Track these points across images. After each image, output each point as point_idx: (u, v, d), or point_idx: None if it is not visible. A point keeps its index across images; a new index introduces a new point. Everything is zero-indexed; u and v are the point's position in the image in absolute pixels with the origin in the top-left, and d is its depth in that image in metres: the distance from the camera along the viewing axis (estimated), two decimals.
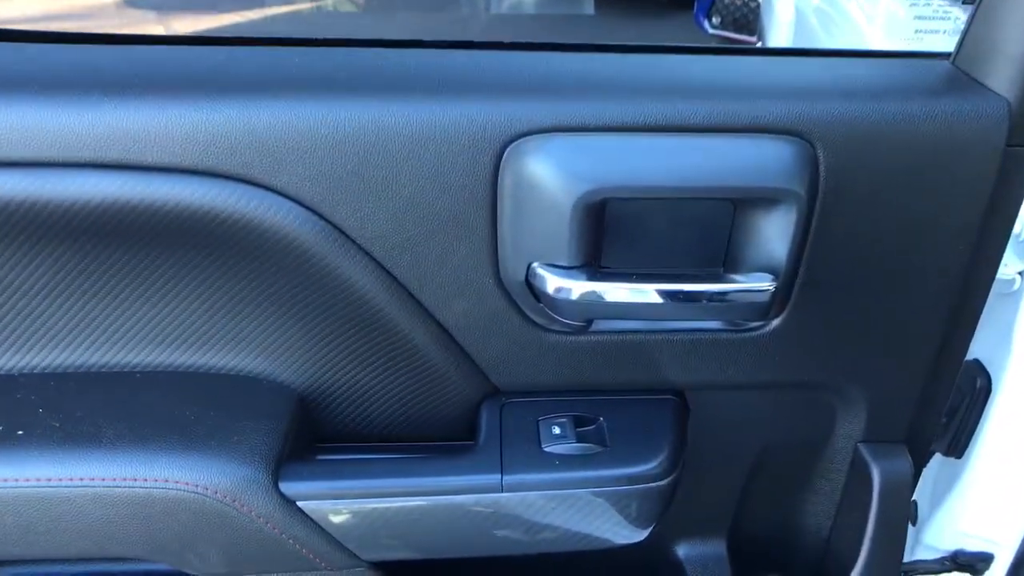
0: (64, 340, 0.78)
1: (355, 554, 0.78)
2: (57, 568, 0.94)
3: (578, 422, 0.81)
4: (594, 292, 0.73)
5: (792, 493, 0.97)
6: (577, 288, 0.72)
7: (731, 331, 0.80)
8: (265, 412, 0.78)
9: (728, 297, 0.73)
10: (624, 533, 0.80)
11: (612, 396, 0.83)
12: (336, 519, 0.76)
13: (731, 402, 0.88)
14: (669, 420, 0.82)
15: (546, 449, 0.79)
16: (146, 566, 0.95)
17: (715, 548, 0.99)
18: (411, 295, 0.75)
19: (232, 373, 0.81)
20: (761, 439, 0.92)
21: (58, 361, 0.79)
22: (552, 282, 0.72)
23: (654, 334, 0.80)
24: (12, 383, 0.78)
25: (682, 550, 0.99)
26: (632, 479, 0.78)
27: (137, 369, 0.80)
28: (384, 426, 0.85)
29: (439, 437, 0.86)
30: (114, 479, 0.72)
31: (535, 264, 0.73)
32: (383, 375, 0.81)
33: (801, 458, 0.94)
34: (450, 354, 0.79)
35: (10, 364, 0.79)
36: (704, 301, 0.74)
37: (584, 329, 0.77)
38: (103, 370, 0.80)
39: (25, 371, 0.80)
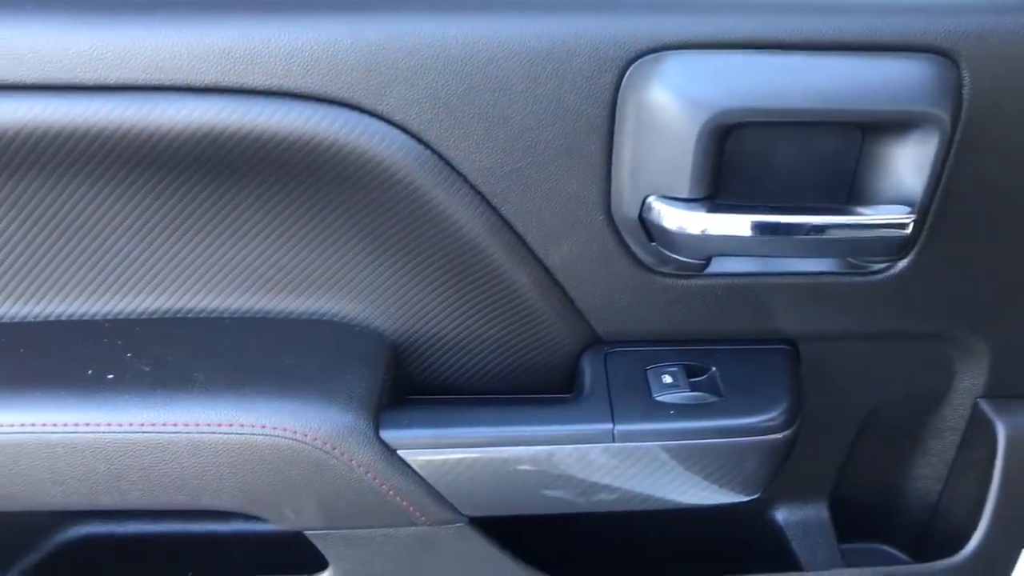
0: (150, 284, 0.75)
1: (456, 508, 0.74)
2: (131, 527, 0.92)
3: (689, 371, 0.76)
4: (717, 226, 0.68)
5: (901, 454, 0.92)
6: (699, 222, 0.67)
7: (852, 275, 0.74)
8: (361, 359, 0.74)
9: (865, 231, 0.68)
10: (737, 489, 0.76)
11: (721, 346, 0.79)
12: (438, 469, 0.72)
13: (843, 353, 0.82)
14: (785, 370, 0.77)
15: (658, 398, 0.74)
16: (224, 526, 0.92)
17: (817, 512, 0.94)
18: (516, 234, 0.70)
19: (324, 319, 0.77)
20: (872, 394, 0.86)
21: (144, 307, 0.76)
22: (671, 215, 0.68)
23: (770, 277, 0.75)
24: (97, 328, 0.75)
25: (781, 514, 0.94)
26: (750, 430, 0.73)
27: (225, 315, 0.77)
28: (477, 378, 0.80)
29: (535, 390, 0.82)
30: (209, 425, 0.68)
31: (651, 198, 0.69)
32: (479, 322, 0.77)
33: (913, 415, 0.89)
34: (552, 299, 0.74)
35: (94, 310, 0.76)
36: (837, 235, 0.69)
37: (699, 269, 0.72)
38: (190, 315, 0.76)
39: (109, 317, 0.76)
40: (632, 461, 0.73)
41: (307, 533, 0.75)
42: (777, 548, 0.93)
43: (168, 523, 0.92)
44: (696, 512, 0.91)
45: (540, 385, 0.81)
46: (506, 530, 0.80)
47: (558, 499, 0.75)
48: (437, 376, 0.80)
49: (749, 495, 0.76)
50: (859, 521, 0.96)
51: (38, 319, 0.75)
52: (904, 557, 0.98)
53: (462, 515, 0.75)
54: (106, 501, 0.71)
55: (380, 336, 0.77)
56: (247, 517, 0.90)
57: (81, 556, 0.91)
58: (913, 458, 0.91)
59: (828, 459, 0.91)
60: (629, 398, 0.74)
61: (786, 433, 0.73)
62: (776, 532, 0.94)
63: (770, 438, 0.73)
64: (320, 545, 0.76)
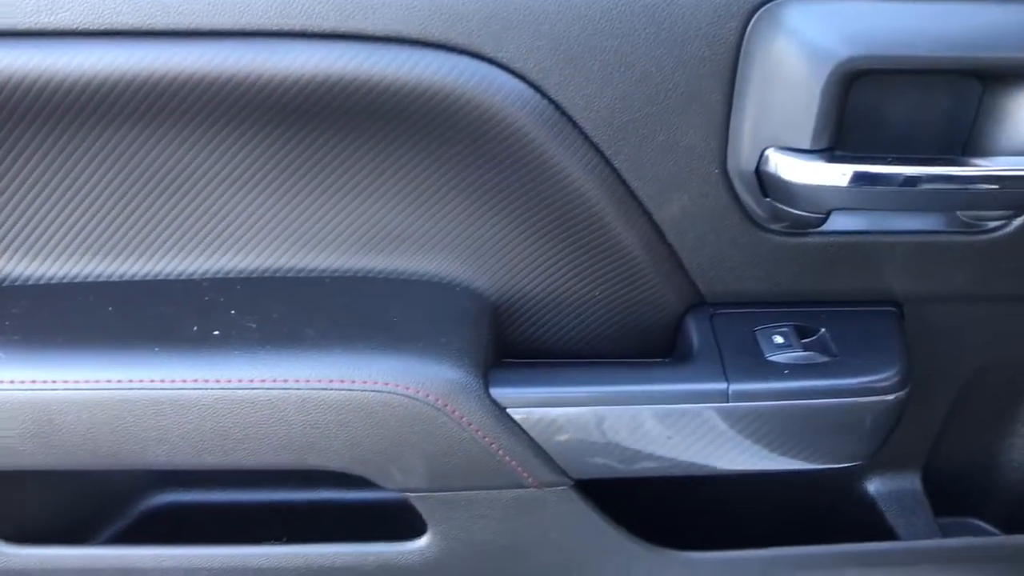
0: (250, 242, 0.74)
1: (564, 471, 0.73)
2: (217, 495, 0.91)
3: (799, 332, 0.75)
4: (837, 177, 0.66)
5: (1001, 423, 0.90)
6: (819, 173, 0.66)
7: (965, 233, 0.73)
8: (466, 317, 0.73)
9: (985, 183, 0.66)
10: (848, 453, 0.74)
11: (827, 308, 0.77)
12: (547, 428, 0.70)
13: (948, 316, 0.80)
14: (894, 332, 0.76)
15: (770, 358, 0.72)
16: (313, 494, 0.91)
17: (910, 483, 0.92)
18: (628, 188, 0.69)
19: (424, 279, 0.76)
20: (973, 360, 0.84)
21: (243, 265, 0.75)
22: (791, 167, 0.66)
23: (881, 236, 0.73)
24: (197, 287, 0.74)
25: (874, 485, 0.93)
26: (866, 390, 0.71)
27: (325, 274, 0.75)
28: (574, 341, 0.79)
29: (633, 353, 0.80)
30: (319, 381, 0.67)
31: (770, 150, 0.67)
32: (581, 281, 0.75)
33: (1013, 382, 0.87)
34: (659, 258, 0.73)
35: (192, 268, 0.75)
36: (956, 188, 0.67)
37: (816, 224, 0.70)
38: (289, 275, 0.75)
39: (208, 276, 0.75)
40: (746, 422, 0.71)
41: (409, 495, 0.74)
42: (872, 519, 0.91)
43: (254, 491, 0.91)
44: (790, 483, 0.90)
45: (639, 348, 0.80)
46: (605, 495, 0.78)
47: (666, 461, 0.73)
48: (534, 338, 0.79)
49: (859, 459, 0.75)
50: (952, 494, 0.94)
51: (136, 278, 0.75)
52: (997, 532, 0.97)
53: (568, 477, 0.73)
54: (211, 461, 0.70)
55: (481, 296, 0.76)
56: (337, 484, 0.90)
57: (166, 524, 0.90)
58: (1014, 428, 0.90)
59: (924, 428, 0.89)
60: (741, 358, 0.72)
61: (899, 394, 0.72)
62: (869, 504, 0.92)
63: (884, 399, 0.71)
64: (421, 508, 0.74)
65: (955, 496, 0.94)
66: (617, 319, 0.77)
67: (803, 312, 0.76)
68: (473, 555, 0.77)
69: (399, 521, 0.82)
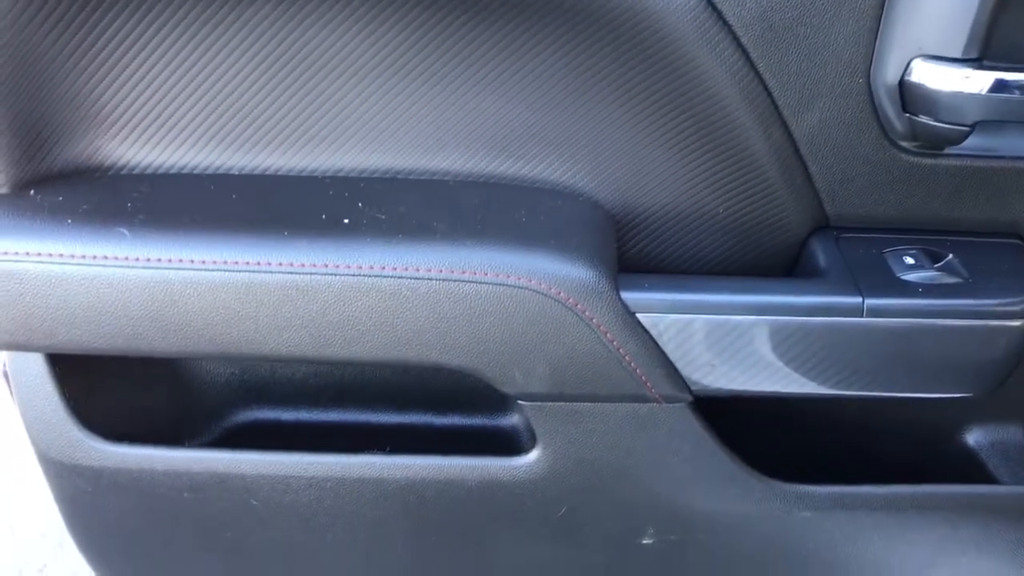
0: (376, 139, 0.72)
1: (686, 384, 0.71)
2: (306, 414, 0.89)
3: (929, 256, 0.73)
4: (987, 85, 0.65)
5: None
6: (970, 81, 0.65)
7: None
8: (593, 225, 0.72)
9: None
10: (977, 380, 0.72)
11: (952, 237, 0.76)
12: (676, 336, 0.69)
13: None
14: (1022, 262, 0.74)
15: (903, 277, 0.71)
16: (403, 417, 0.89)
17: (1014, 436, 0.90)
18: (769, 95, 0.68)
19: (549, 187, 0.74)
20: None
21: (365, 164, 0.73)
22: (940, 75, 0.65)
23: (1014, 162, 0.71)
24: (320, 184, 0.73)
25: (976, 435, 0.91)
26: (1001, 313, 0.69)
27: (447, 176, 0.74)
28: (694, 260, 0.77)
29: (753, 274, 0.79)
30: (452, 272, 0.66)
31: (917, 59, 0.66)
32: (707, 195, 0.74)
33: None
34: (790, 173, 0.72)
35: (314, 165, 0.74)
36: None
37: (954, 139, 0.68)
38: (411, 176, 0.74)
39: (328, 174, 0.74)
40: (879, 341, 0.69)
41: (524, 404, 0.72)
42: (972, 470, 0.89)
43: (345, 411, 0.89)
44: (892, 429, 0.88)
45: (759, 270, 0.78)
46: (716, 422, 0.77)
47: (792, 381, 0.71)
48: (652, 255, 0.77)
49: (986, 389, 0.73)
50: None
51: (257, 171, 0.73)
52: None
53: (689, 392, 0.71)
54: (332, 352, 0.68)
55: (603, 208, 0.75)
56: (432, 407, 0.88)
57: (255, 439, 0.88)
58: None
59: None
60: (873, 276, 0.71)
61: None
62: (971, 454, 0.90)
63: (1018, 323, 0.70)
64: (534, 420, 0.73)
65: None
66: (739, 239, 0.76)
67: (930, 239, 0.75)
68: (580, 473, 0.75)
69: (499, 447, 0.81)
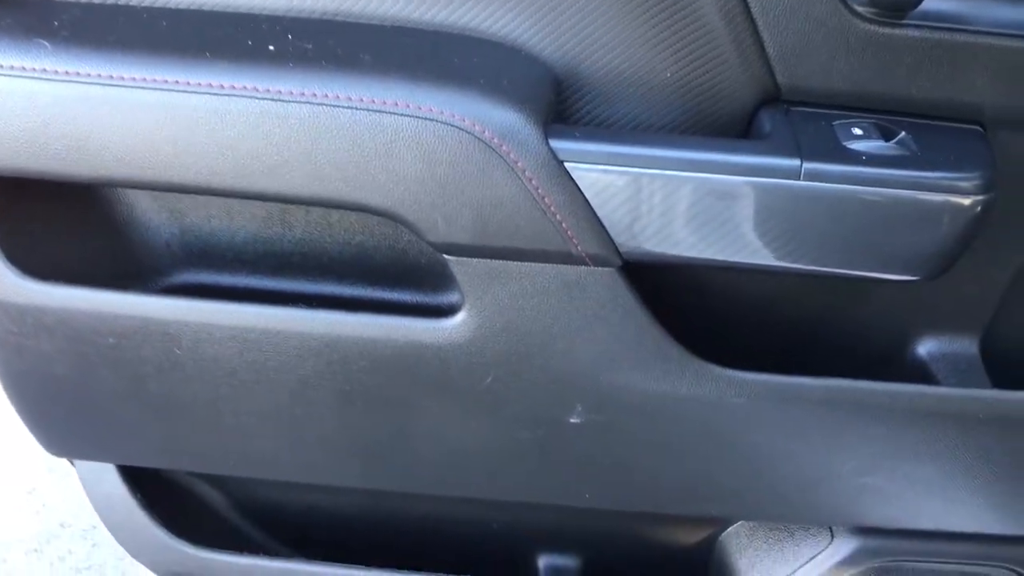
0: None
1: (615, 245, 0.69)
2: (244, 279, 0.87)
3: (880, 130, 0.71)
4: None
5: None
6: None
7: None
8: (530, 75, 0.69)
9: None
10: (920, 262, 0.70)
11: (909, 118, 0.73)
12: (605, 191, 0.66)
13: None
14: (979, 143, 0.71)
15: (848, 145, 0.68)
16: (337, 287, 0.87)
17: (966, 348, 0.87)
18: None
19: (483, 38, 0.72)
20: None
21: (300, 5, 0.72)
22: None
23: (975, 36, 0.68)
24: (252, 19, 0.71)
25: (927, 346, 0.88)
26: (949, 187, 0.67)
27: (384, 21, 0.72)
28: (638, 126, 0.75)
29: None
30: (373, 101, 0.64)
31: None
32: (654, 59, 0.71)
33: None
34: (741, 37, 0.69)
35: (247, 4, 0.72)
36: None
37: (913, 3, 0.66)
38: (348, 19, 0.72)
39: (264, 12, 0.72)
40: (817, 207, 0.67)
41: (450, 261, 0.70)
42: (920, 381, 0.87)
43: (282, 279, 0.88)
44: (841, 330, 0.85)
45: None
46: (658, 303, 0.75)
47: (725, 247, 0.69)
48: (599, 118, 0.74)
49: (931, 272, 0.70)
50: (1012, 365, 0.89)
51: (183, 6, 0.72)
52: None
53: (619, 256, 0.69)
54: (250, 183, 0.67)
55: (544, 63, 0.72)
56: (369, 282, 0.87)
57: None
58: None
59: (989, 285, 0.84)
60: (817, 142, 0.68)
61: (982, 199, 0.67)
62: (921, 366, 0.88)
63: (967, 201, 0.67)
64: (460, 276, 0.71)
65: (1015, 368, 0.89)
66: (687, 106, 0.73)
67: (884, 119, 0.72)
68: (506, 339, 0.74)
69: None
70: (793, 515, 0.88)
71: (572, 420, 0.79)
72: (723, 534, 1.02)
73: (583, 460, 0.83)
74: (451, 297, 0.86)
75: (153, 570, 1.00)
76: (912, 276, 0.70)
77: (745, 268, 0.70)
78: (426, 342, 0.74)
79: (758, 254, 0.69)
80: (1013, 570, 0.93)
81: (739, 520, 0.98)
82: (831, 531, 0.93)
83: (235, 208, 0.84)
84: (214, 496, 1.03)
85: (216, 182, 0.67)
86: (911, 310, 0.85)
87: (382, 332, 0.75)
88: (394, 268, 0.86)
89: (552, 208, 0.66)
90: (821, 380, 0.77)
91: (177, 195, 0.84)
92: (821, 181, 0.66)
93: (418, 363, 0.76)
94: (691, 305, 0.81)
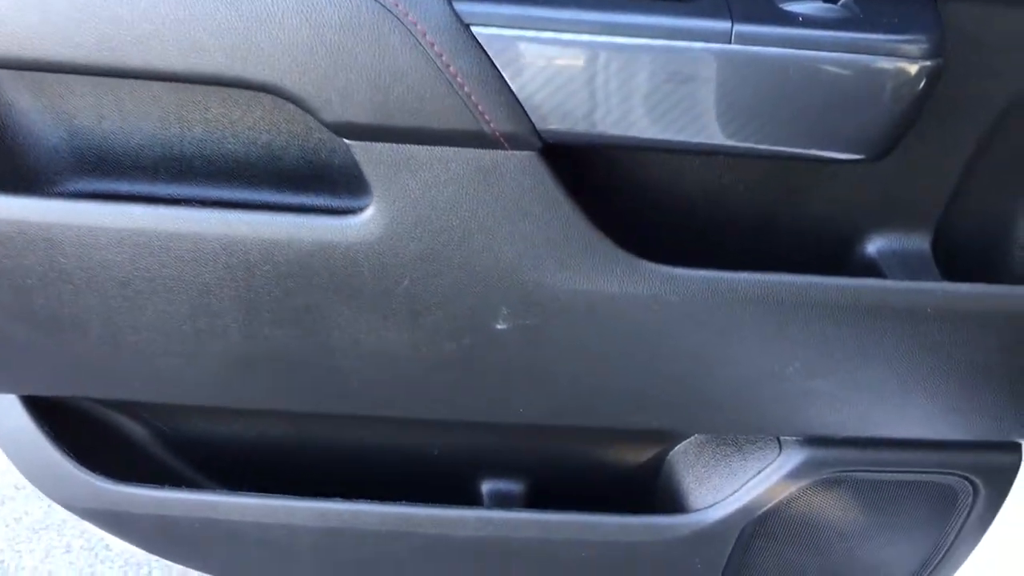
0: None
1: (531, 123, 0.63)
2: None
3: None
4: None
5: None
6: None
7: None
8: None
9: None
10: (862, 139, 0.64)
11: None
12: (517, 59, 0.60)
13: (989, 21, 0.70)
14: (927, 10, 0.65)
15: (784, 7, 0.62)
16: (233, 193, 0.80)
17: (918, 244, 0.83)
18: None
19: None
20: (1008, 87, 0.74)
21: None
22: None
23: None
24: None
25: (876, 243, 0.83)
26: (892, 50, 0.61)
27: None
28: None
29: None
30: None
31: None
32: None
33: None
34: None
35: None
36: None
37: None
38: None
39: None
40: (749, 74, 0.61)
41: (351, 145, 0.64)
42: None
43: (182, 185, 0.81)
44: (789, 228, 0.80)
45: None
46: (586, 196, 0.69)
47: (656, 119, 0.63)
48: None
49: (877, 148, 0.65)
50: (965, 261, 0.85)
51: None
52: None
53: (538, 137, 0.63)
54: (126, 58, 0.59)
55: None
56: (277, 187, 0.80)
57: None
58: None
59: (940, 177, 0.80)
60: (750, 3, 0.62)
61: (932, 64, 0.62)
62: (870, 264, 0.83)
63: (913, 66, 0.61)
64: (365, 166, 0.65)
65: (968, 264, 0.85)
66: None
67: None
68: (420, 236, 0.68)
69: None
70: (738, 425, 0.84)
71: (498, 326, 0.74)
72: (671, 453, 0.98)
73: (513, 371, 0.77)
74: (368, 200, 0.80)
75: (68, 508, 0.94)
76: (856, 155, 0.65)
77: (676, 148, 0.64)
78: (333, 242, 0.68)
79: (688, 130, 0.63)
80: (968, 478, 0.90)
81: (682, 433, 0.94)
82: (779, 443, 0.89)
83: (127, 106, 0.77)
84: (131, 427, 0.97)
85: (80, 56, 0.59)
86: (859, 206, 0.80)
87: (284, 232, 0.68)
88: (307, 170, 0.79)
89: (459, 79, 0.60)
90: (761, 275, 0.72)
91: (61, 94, 0.76)
92: (754, 45, 0.60)
93: (327, 266, 0.70)
94: (622, 195, 0.75)
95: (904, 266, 0.82)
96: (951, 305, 0.74)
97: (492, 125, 0.62)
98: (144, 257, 0.70)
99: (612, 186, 0.74)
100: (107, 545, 2.11)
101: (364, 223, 0.67)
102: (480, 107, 0.61)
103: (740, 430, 0.87)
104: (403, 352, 0.75)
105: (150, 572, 2.02)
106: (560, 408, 0.81)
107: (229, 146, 0.78)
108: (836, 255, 0.83)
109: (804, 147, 0.64)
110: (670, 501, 0.98)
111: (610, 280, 0.70)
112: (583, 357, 0.76)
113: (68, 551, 1.99)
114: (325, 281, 0.70)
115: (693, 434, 0.93)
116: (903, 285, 0.74)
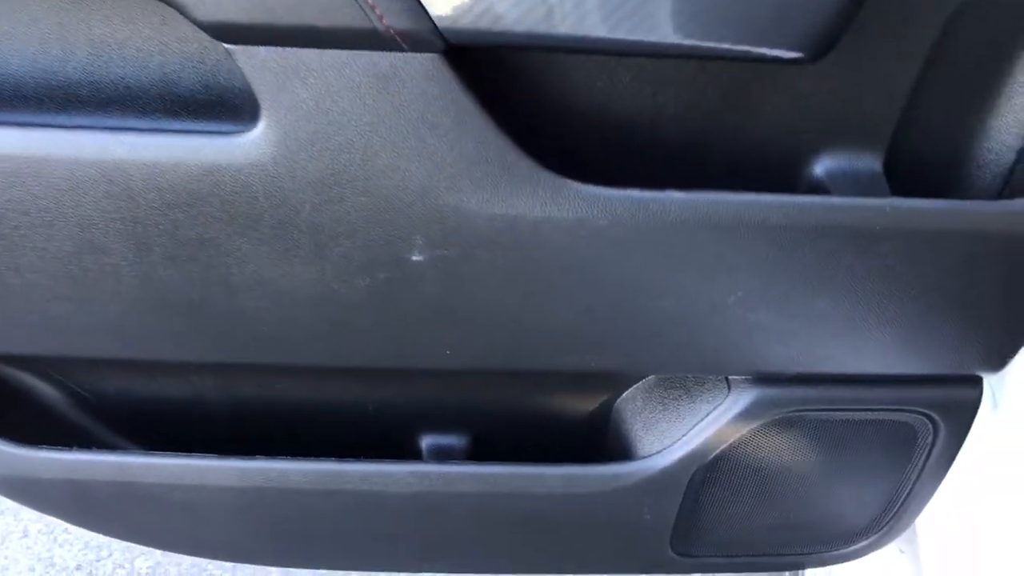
0: None
1: (432, 21, 0.56)
2: None
3: None
4: None
5: (986, 87, 0.75)
6: None
7: None
8: None
9: None
10: (802, 30, 0.58)
11: None
12: None
13: None
14: None
15: None
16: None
17: (869, 164, 0.77)
18: None
19: None
20: None
21: None
22: None
23: None
24: None
25: (824, 164, 0.78)
26: None
27: None
28: None
29: None
30: None
31: None
32: None
33: (1007, 26, 0.72)
34: None
35: None
36: None
37: None
38: None
39: None
40: None
41: (231, 51, 0.57)
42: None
43: (71, 116, 0.74)
44: (725, 147, 0.75)
45: None
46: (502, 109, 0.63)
47: (565, 12, 0.57)
48: None
49: (816, 45, 0.59)
50: (918, 181, 0.80)
51: None
52: None
53: (439, 37, 0.57)
54: None
55: None
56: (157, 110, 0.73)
57: None
58: (996, 93, 0.75)
59: (891, 92, 0.74)
60: None
61: None
62: (818, 186, 0.78)
63: None
64: (248, 70, 0.58)
65: (923, 186, 0.80)
66: None
67: None
68: (317, 155, 0.61)
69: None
70: (681, 364, 0.79)
71: (414, 258, 0.68)
72: (618, 400, 0.93)
73: (436, 309, 0.72)
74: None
75: None
76: (794, 52, 0.59)
77: (597, 47, 0.58)
78: (221, 164, 0.62)
79: (610, 23, 0.57)
80: (927, 415, 0.86)
81: (623, 375, 0.88)
82: (728, 384, 0.84)
83: (3, 29, 0.70)
84: (41, 389, 0.91)
85: None
86: (804, 123, 0.74)
87: (166, 154, 0.62)
88: (204, 95, 0.72)
89: None
90: (694, 194, 0.67)
91: None
92: None
93: (217, 193, 0.63)
94: (544, 109, 0.69)
95: (855, 188, 0.76)
96: (902, 223, 0.69)
97: (386, 22, 0.55)
98: (16, 188, 0.63)
99: (532, 99, 0.67)
100: (66, 528, 2.05)
101: (254, 141, 0.61)
102: (370, 0, 0.55)
103: (684, 369, 0.81)
104: (312, 291, 0.69)
105: (110, 554, 1.97)
106: (489, 350, 0.75)
107: (118, 70, 0.71)
108: (781, 178, 0.77)
109: (736, 43, 0.58)
110: (620, 450, 0.93)
111: (531, 202, 0.65)
112: (509, 291, 0.70)
113: (25, 535, 1.93)
114: (217, 210, 0.64)
115: (636, 376, 0.87)
116: (849, 201, 0.68)
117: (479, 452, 0.96)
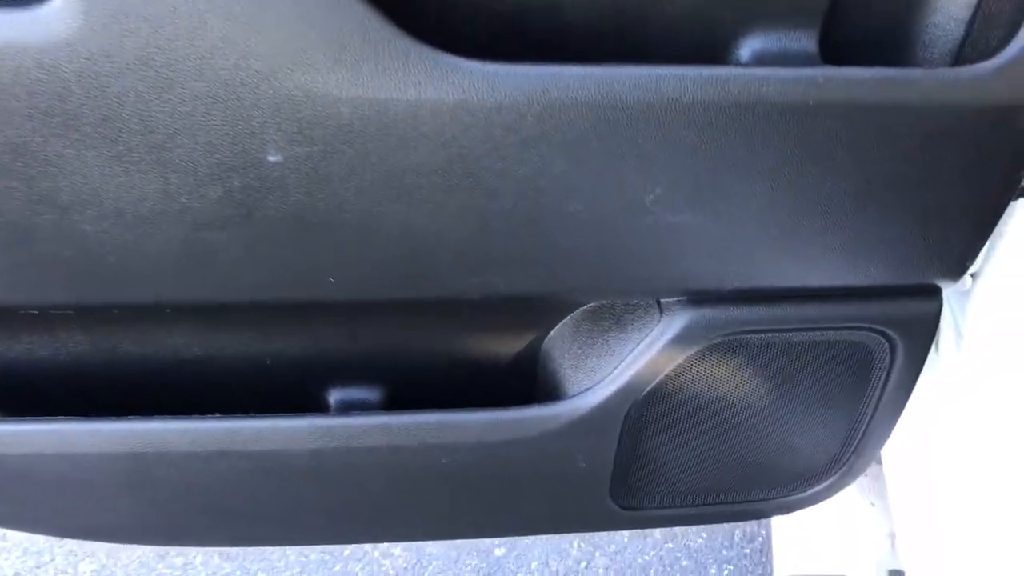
0: None
1: None
2: None
3: None
4: None
5: None
6: None
7: None
8: None
9: None
10: None
11: None
12: None
13: None
14: None
15: None
16: None
17: (803, 43, 0.68)
18: None
19: None
20: None
21: None
22: None
23: None
24: None
25: (750, 46, 0.68)
26: None
27: None
28: None
29: None
30: None
31: None
32: None
33: None
34: None
35: None
36: None
37: None
38: None
39: None
40: None
41: None
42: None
43: None
44: (657, 42, 0.65)
45: None
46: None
47: None
48: None
49: None
50: (857, 64, 0.71)
51: None
52: None
53: None
54: None
55: None
56: None
57: None
58: None
59: None
60: None
61: None
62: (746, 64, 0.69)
63: None
64: None
65: (867, 44, 0.71)
66: None
67: None
68: (135, 26, 0.51)
69: None
70: (600, 284, 0.69)
71: (271, 159, 0.58)
72: (545, 340, 0.83)
73: (305, 223, 0.61)
74: None
75: None
76: None
77: None
78: (17, 42, 0.51)
79: None
80: (882, 332, 0.77)
81: (543, 305, 0.78)
82: (660, 308, 0.75)
83: None
84: None
85: None
86: None
87: None
88: None
89: None
90: (596, 68, 0.57)
91: None
92: None
93: (20, 82, 0.53)
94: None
95: (784, 63, 0.67)
96: (840, 96, 0.60)
97: None
98: None
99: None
100: (3, 535, 1.93)
101: (56, 12, 0.51)
102: None
103: (604, 292, 0.72)
104: (156, 206, 0.59)
105: (52, 559, 1.85)
106: (377, 274, 0.65)
107: None
108: (707, 60, 0.68)
109: None
110: (550, 395, 0.84)
111: (402, 83, 0.55)
112: (387, 197, 0.60)
113: None
114: (25, 105, 0.53)
115: (559, 308, 0.78)
116: (776, 72, 0.59)
117: (396, 407, 0.87)
